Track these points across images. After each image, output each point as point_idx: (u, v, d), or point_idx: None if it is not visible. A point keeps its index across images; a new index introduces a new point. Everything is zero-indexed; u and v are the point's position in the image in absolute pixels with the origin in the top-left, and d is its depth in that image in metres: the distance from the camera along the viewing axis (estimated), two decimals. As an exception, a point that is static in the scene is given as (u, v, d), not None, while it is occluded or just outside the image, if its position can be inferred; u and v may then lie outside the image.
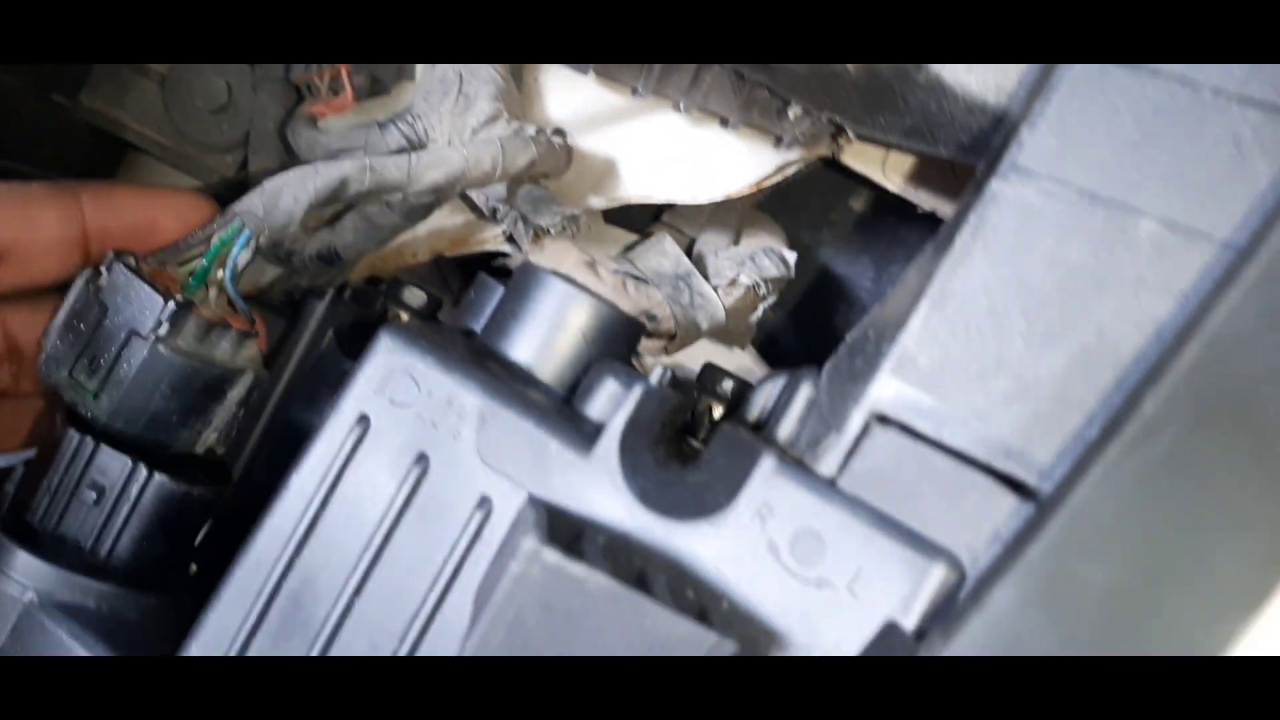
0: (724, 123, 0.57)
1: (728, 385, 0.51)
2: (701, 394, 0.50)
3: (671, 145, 0.63)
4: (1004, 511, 0.29)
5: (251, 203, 0.51)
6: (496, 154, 0.58)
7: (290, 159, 0.75)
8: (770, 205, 0.72)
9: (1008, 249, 0.31)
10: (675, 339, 0.63)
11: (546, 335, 0.42)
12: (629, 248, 0.68)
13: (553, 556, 0.29)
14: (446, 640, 0.36)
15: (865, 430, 0.32)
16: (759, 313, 0.66)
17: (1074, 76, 0.31)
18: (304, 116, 0.67)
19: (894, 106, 0.39)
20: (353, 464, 0.38)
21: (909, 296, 0.33)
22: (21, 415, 0.50)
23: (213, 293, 0.48)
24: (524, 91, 0.67)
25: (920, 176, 0.57)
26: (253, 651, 0.38)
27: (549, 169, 0.62)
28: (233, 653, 0.38)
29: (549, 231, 0.63)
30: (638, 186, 0.63)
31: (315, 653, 0.37)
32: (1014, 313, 0.30)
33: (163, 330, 0.44)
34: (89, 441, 0.44)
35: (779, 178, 0.60)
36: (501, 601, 0.29)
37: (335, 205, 0.55)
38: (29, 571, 0.43)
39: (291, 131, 0.69)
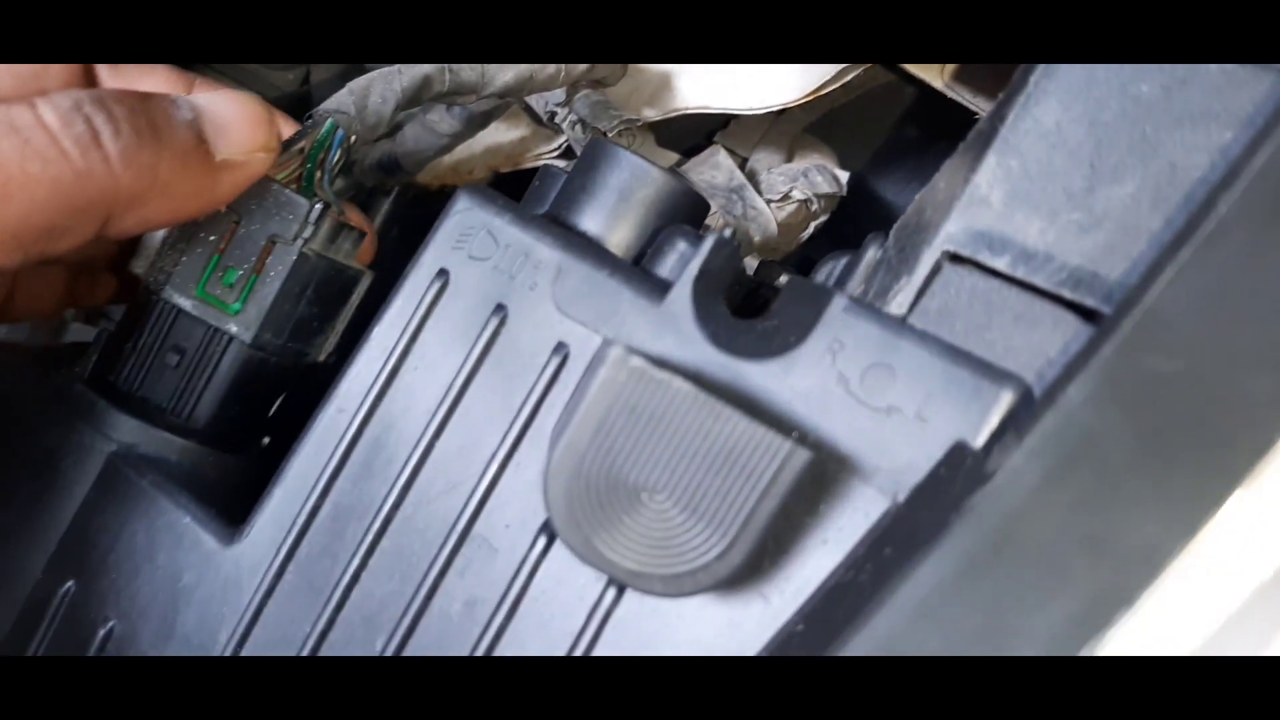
0: (785, 27, 0.58)
1: (783, 279, 0.52)
2: (760, 286, 0.52)
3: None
4: (1073, 337, 0.31)
5: (342, 102, 0.52)
6: (561, 67, 0.59)
7: (352, 70, 0.76)
8: (822, 131, 0.73)
9: (1079, 87, 0.32)
10: (728, 248, 0.65)
11: (616, 205, 0.43)
12: (680, 163, 0.69)
13: (639, 362, 0.30)
14: (524, 478, 0.37)
15: (936, 269, 0.33)
16: (810, 230, 0.67)
17: (1149, -77, 0.32)
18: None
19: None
20: (433, 314, 0.40)
21: (980, 143, 0.34)
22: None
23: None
24: (583, 4, 0.68)
25: (979, 82, 0.58)
26: (334, 494, 0.40)
27: (607, 74, 0.63)
28: (316, 493, 0.40)
29: (606, 135, 0.64)
30: (695, 96, 0.64)
31: (395, 493, 0.39)
32: (1086, 149, 0.32)
33: (308, 233, 0.44)
34: (172, 306, 0.46)
35: (837, 84, 0.61)
36: (590, 403, 0.30)
37: (416, 106, 0.56)
38: (113, 424, 0.44)
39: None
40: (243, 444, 0.48)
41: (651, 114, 0.66)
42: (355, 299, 0.48)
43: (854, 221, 0.77)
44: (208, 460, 0.46)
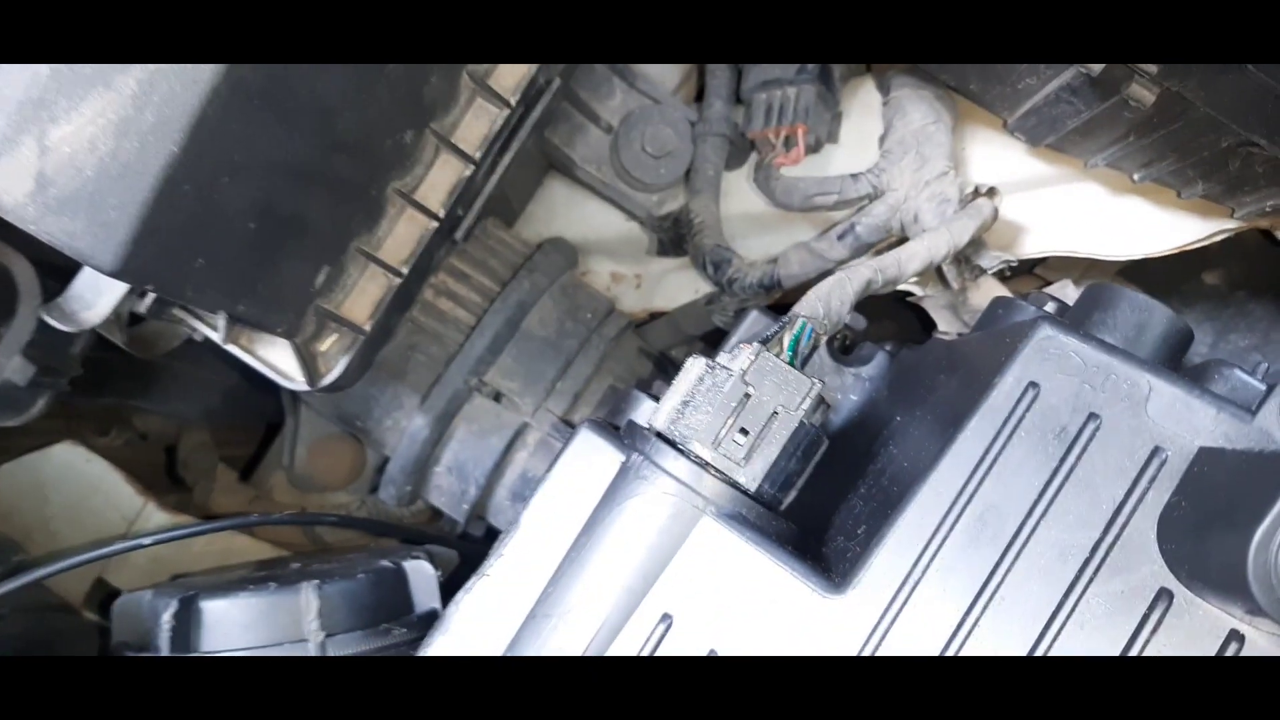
0: (1179, 193, 0.69)
1: None
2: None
3: (1093, 208, 0.75)
4: None
5: (812, 306, 0.61)
6: (950, 237, 0.70)
7: (712, 206, 0.87)
8: (1130, 271, 0.83)
9: None
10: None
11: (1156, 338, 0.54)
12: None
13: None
14: (1129, 556, 0.46)
15: None
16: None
17: None
18: (771, 167, 0.80)
19: None
20: (1031, 413, 0.49)
21: None
22: None
23: None
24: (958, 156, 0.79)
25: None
26: (940, 558, 0.49)
27: (985, 229, 0.74)
28: (926, 557, 0.49)
29: (986, 271, 0.75)
30: (1062, 242, 0.75)
31: (1010, 557, 0.48)
32: None
33: (806, 405, 0.54)
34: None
35: (1206, 242, 0.72)
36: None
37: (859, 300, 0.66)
38: (710, 489, 0.53)
39: (764, 178, 0.82)
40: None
41: (1020, 253, 0.76)
42: (816, 459, 0.56)
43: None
44: (768, 521, 0.54)
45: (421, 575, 0.67)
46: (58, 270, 0.74)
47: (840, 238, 0.77)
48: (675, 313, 0.90)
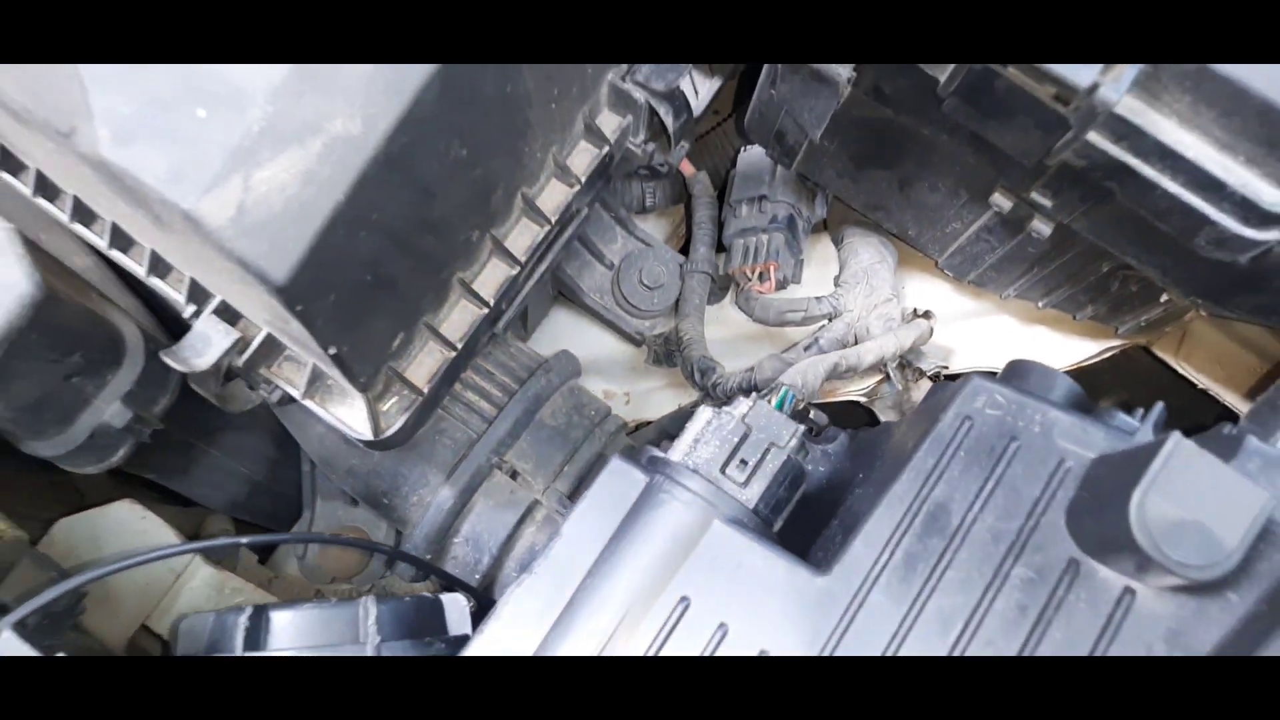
0: (1074, 316, 0.87)
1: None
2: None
3: (1008, 333, 0.93)
4: None
5: (792, 378, 0.78)
6: (897, 341, 0.88)
7: (699, 326, 1.04)
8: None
9: None
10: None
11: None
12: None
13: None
14: (1046, 537, 0.60)
15: None
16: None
17: None
18: (752, 293, 0.98)
19: (1257, 288, 0.70)
20: (967, 439, 0.64)
21: None
22: None
23: None
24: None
25: (1214, 366, 0.87)
26: (904, 544, 0.62)
27: (918, 341, 0.91)
28: (892, 544, 0.62)
29: (925, 373, 0.92)
30: (983, 360, 0.93)
31: (956, 542, 0.61)
32: None
33: (793, 444, 0.70)
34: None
35: (1098, 358, 0.90)
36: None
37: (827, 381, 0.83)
38: (718, 501, 0.66)
39: (744, 300, 0.99)
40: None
41: (947, 364, 0.94)
42: (800, 490, 0.72)
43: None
44: (765, 529, 0.67)
45: (455, 606, 0.78)
46: (166, 326, 0.87)
47: (805, 349, 0.94)
48: (661, 419, 1.05)
